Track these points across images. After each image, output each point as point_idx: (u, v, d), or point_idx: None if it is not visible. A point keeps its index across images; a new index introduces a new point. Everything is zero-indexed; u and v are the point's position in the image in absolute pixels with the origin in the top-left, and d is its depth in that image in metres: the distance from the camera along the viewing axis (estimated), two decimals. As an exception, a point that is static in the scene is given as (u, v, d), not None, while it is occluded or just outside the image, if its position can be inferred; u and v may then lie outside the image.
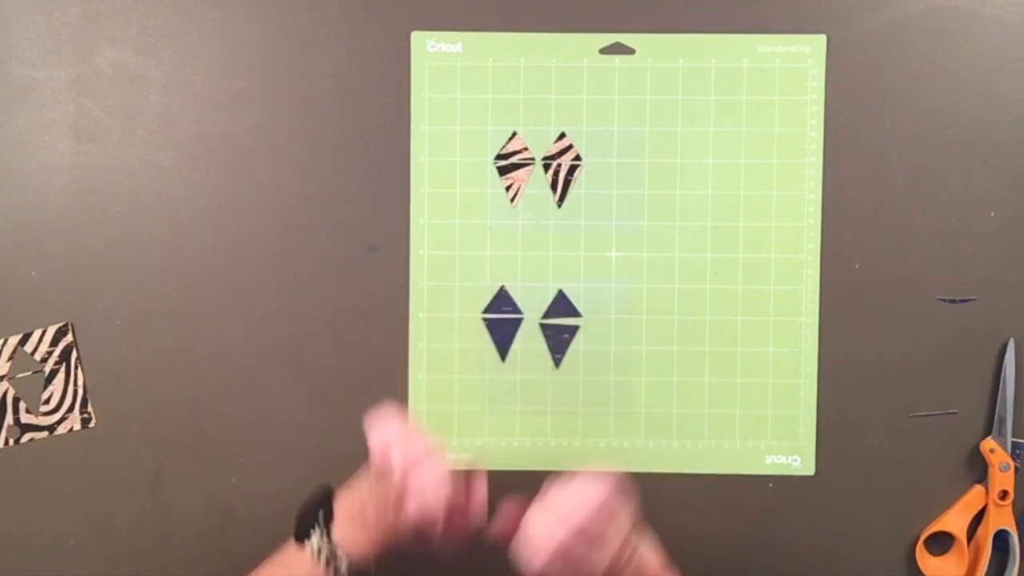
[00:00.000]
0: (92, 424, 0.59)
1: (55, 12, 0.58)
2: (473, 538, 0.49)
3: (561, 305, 0.59)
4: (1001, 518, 0.58)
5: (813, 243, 0.58)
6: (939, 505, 0.59)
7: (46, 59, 0.59)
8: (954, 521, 0.58)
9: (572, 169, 0.59)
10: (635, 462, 0.59)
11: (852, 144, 0.58)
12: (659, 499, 0.59)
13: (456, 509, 0.47)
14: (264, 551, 0.60)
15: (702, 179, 0.58)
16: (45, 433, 0.59)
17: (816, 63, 0.58)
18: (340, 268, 0.59)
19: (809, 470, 0.59)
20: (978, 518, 0.59)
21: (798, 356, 0.59)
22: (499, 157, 0.59)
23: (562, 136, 0.59)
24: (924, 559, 0.59)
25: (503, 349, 0.59)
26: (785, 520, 0.59)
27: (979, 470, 0.59)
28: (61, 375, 0.59)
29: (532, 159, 0.59)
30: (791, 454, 0.59)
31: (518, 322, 0.59)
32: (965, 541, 0.58)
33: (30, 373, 0.59)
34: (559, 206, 0.59)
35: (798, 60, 0.58)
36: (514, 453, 0.59)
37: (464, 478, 0.48)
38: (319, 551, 0.47)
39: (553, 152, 0.59)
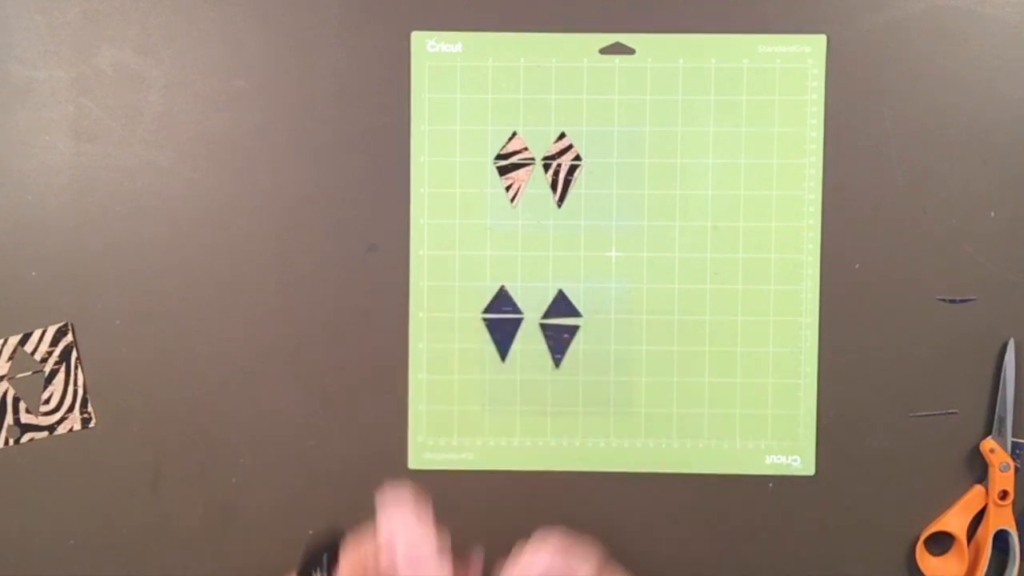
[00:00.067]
0: (92, 424, 0.59)
1: (55, 12, 0.58)
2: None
3: (561, 305, 0.59)
4: (1001, 518, 0.58)
5: (813, 243, 0.58)
6: (939, 505, 0.59)
7: (46, 59, 0.59)
8: (954, 521, 0.58)
9: (572, 169, 0.59)
10: (635, 462, 0.59)
11: (852, 144, 0.58)
12: (659, 499, 0.59)
13: None
14: (264, 551, 0.60)
15: (702, 179, 0.58)
16: (45, 433, 0.59)
17: (816, 63, 0.58)
18: (340, 268, 0.59)
19: (809, 470, 0.59)
20: (978, 518, 0.59)
21: (798, 356, 0.59)
22: (499, 157, 0.59)
23: (562, 136, 0.59)
24: (924, 559, 0.59)
25: (503, 349, 0.59)
26: (785, 520, 0.59)
27: (979, 470, 0.59)
28: (61, 375, 0.59)
29: (532, 159, 0.59)
30: (791, 454, 0.59)
31: (518, 322, 0.59)
32: (965, 541, 0.58)
33: (30, 373, 0.59)
34: (559, 206, 0.59)
35: (798, 60, 0.58)
36: (514, 453, 0.59)
37: (462, 565, 0.48)
38: None
39: (553, 152, 0.59)
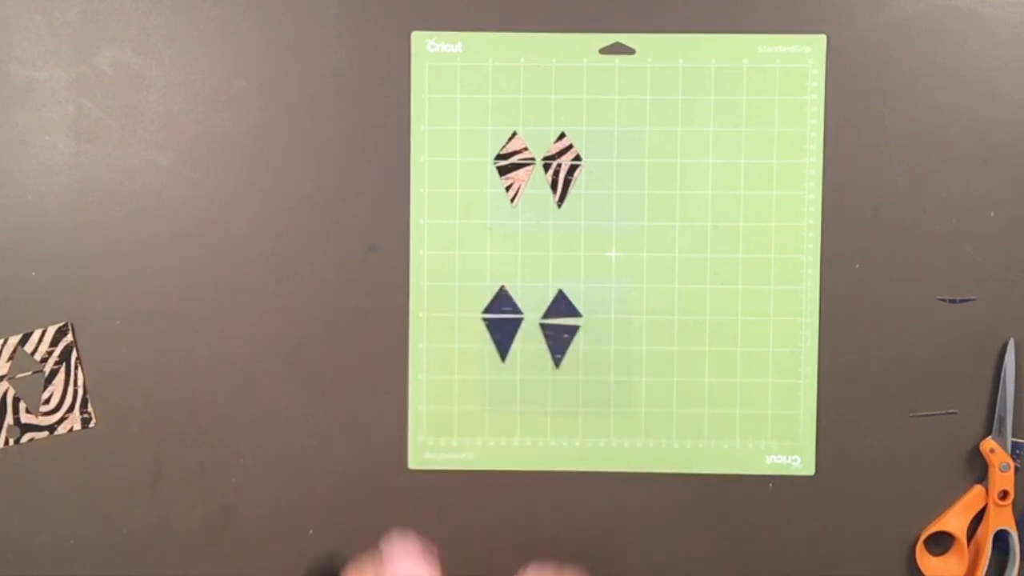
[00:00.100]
0: (92, 424, 0.59)
1: (55, 12, 0.58)
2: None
3: (561, 305, 0.59)
4: (1001, 518, 0.58)
5: (813, 243, 0.58)
6: (939, 505, 0.59)
7: (46, 59, 0.59)
8: (954, 521, 0.58)
9: (572, 169, 0.59)
10: (635, 462, 0.59)
11: (852, 144, 0.58)
12: (659, 499, 0.59)
13: None
14: (264, 551, 0.60)
15: (702, 179, 0.58)
16: (45, 433, 0.59)
17: (816, 63, 0.58)
18: (340, 268, 0.59)
19: (809, 470, 0.59)
20: (978, 518, 0.59)
21: (798, 356, 0.59)
22: (499, 157, 0.59)
23: (562, 136, 0.59)
24: (924, 559, 0.59)
25: (503, 349, 0.59)
26: (785, 520, 0.59)
27: (979, 470, 0.59)
28: (61, 375, 0.59)
29: (532, 159, 0.59)
30: (791, 454, 0.59)
31: (518, 322, 0.59)
32: (965, 541, 0.58)
33: (30, 373, 0.59)
34: (559, 206, 0.59)
35: (798, 60, 0.58)
36: (514, 453, 0.59)
37: None
38: None
39: (553, 152, 0.59)
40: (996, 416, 0.58)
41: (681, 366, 0.59)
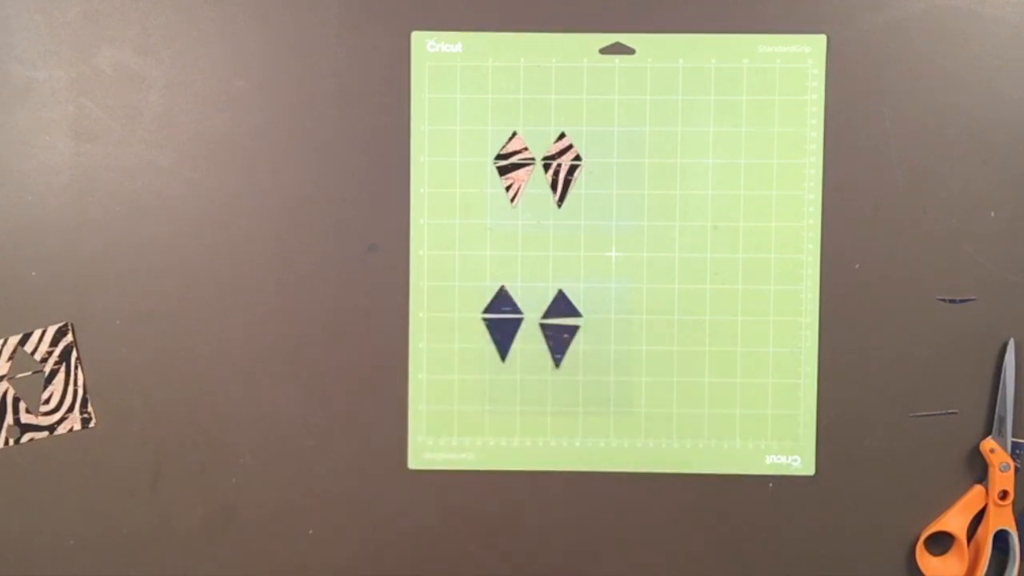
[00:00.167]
0: (92, 424, 0.59)
1: (55, 12, 0.58)
2: None
3: (561, 305, 0.59)
4: (1001, 518, 0.58)
5: (813, 243, 0.58)
6: (939, 505, 0.59)
7: (46, 59, 0.59)
8: (954, 521, 0.58)
9: (572, 169, 0.59)
10: (635, 462, 0.59)
11: (852, 144, 0.58)
12: (659, 499, 0.59)
13: None
14: (264, 551, 0.60)
15: (702, 179, 0.58)
16: (45, 433, 0.59)
17: (816, 63, 0.58)
18: (340, 268, 0.59)
19: (809, 470, 0.59)
20: (978, 518, 0.59)
21: (798, 356, 0.59)
22: (499, 157, 0.59)
23: (562, 136, 0.59)
24: (924, 559, 0.59)
25: (503, 349, 0.59)
26: (785, 520, 0.59)
27: (979, 470, 0.59)
28: (61, 375, 0.59)
29: (532, 159, 0.59)
30: (791, 454, 0.59)
31: (518, 322, 0.59)
32: (965, 541, 0.58)
33: (30, 373, 0.59)
34: (559, 206, 0.59)
35: (798, 60, 0.58)
36: (514, 453, 0.59)
37: None
38: None
39: (553, 152, 0.59)
40: (996, 416, 0.58)
41: (681, 366, 0.59)
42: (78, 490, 0.59)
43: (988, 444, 0.58)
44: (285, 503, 0.60)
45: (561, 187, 0.59)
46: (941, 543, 0.59)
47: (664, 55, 0.58)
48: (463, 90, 0.59)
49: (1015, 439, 0.58)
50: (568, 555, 0.59)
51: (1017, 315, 0.58)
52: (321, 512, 0.59)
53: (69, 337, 0.59)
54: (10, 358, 0.59)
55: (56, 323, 0.59)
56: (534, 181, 0.59)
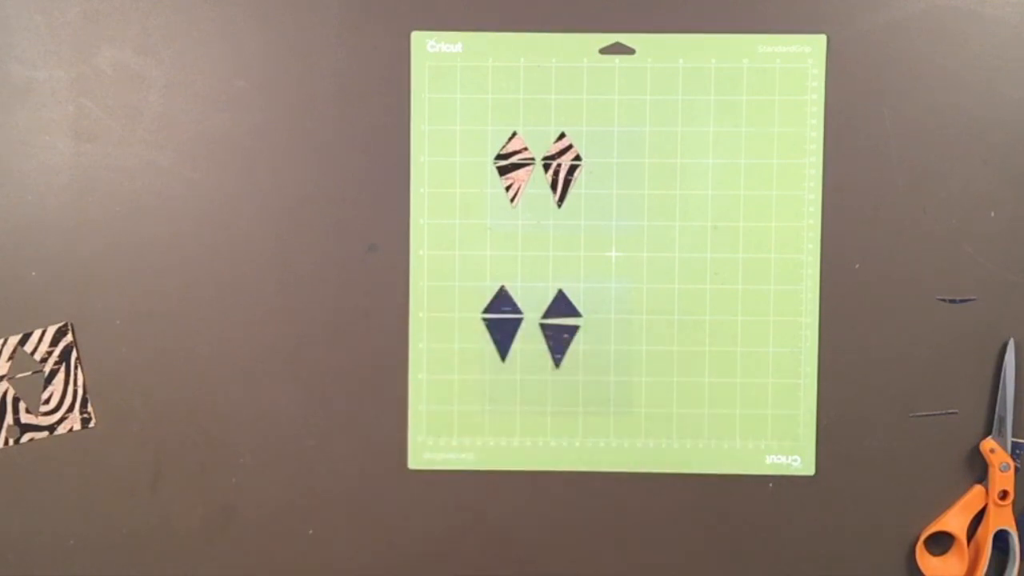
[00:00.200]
0: (92, 424, 0.59)
1: (55, 12, 0.58)
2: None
3: (561, 305, 0.59)
4: (1001, 518, 0.58)
5: (813, 243, 0.58)
6: (939, 505, 0.59)
7: (46, 59, 0.59)
8: (954, 521, 0.58)
9: (572, 169, 0.59)
10: (635, 462, 0.59)
11: (852, 144, 0.58)
12: (659, 499, 0.59)
13: None
14: (264, 551, 0.60)
15: (702, 179, 0.58)
16: (45, 433, 0.59)
17: (816, 63, 0.58)
18: (340, 268, 0.59)
19: (809, 470, 0.59)
20: (978, 518, 0.59)
21: (798, 356, 0.59)
22: (499, 157, 0.59)
23: (562, 136, 0.59)
24: (924, 559, 0.59)
25: (503, 349, 0.59)
26: (785, 520, 0.59)
27: (979, 470, 0.59)
28: (61, 375, 0.59)
29: (532, 159, 0.59)
30: (791, 454, 0.59)
31: (518, 322, 0.59)
32: (965, 541, 0.58)
33: (30, 373, 0.59)
34: (559, 206, 0.59)
35: (798, 60, 0.58)
36: (514, 453, 0.59)
37: None
38: None
39: (553, 152, 0.59)
40: (996, 416, 0.58)
41: (681, 366, 0.59)
42: (78, 490, 0.59)
43: (988, 444, 0.58)
44: (285, 503, 0.60)
45: (561, 187, 0.59)
46: (941, 543, 0.59)
47: (664, 55, 0.58)
48: (463, 90, 0.59)
49: (1015, 439, 0.58)
50: (568, 555, 0.59)
51: (1017, 315, 0.58)
52: (321, 512, 0.59)
53: (69, 337, 0.59)
54: (10, 358, 0.59)
55: (56, 323, 0.59)
56: (534, 181, 0.59)
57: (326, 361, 0.59)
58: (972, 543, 0.59)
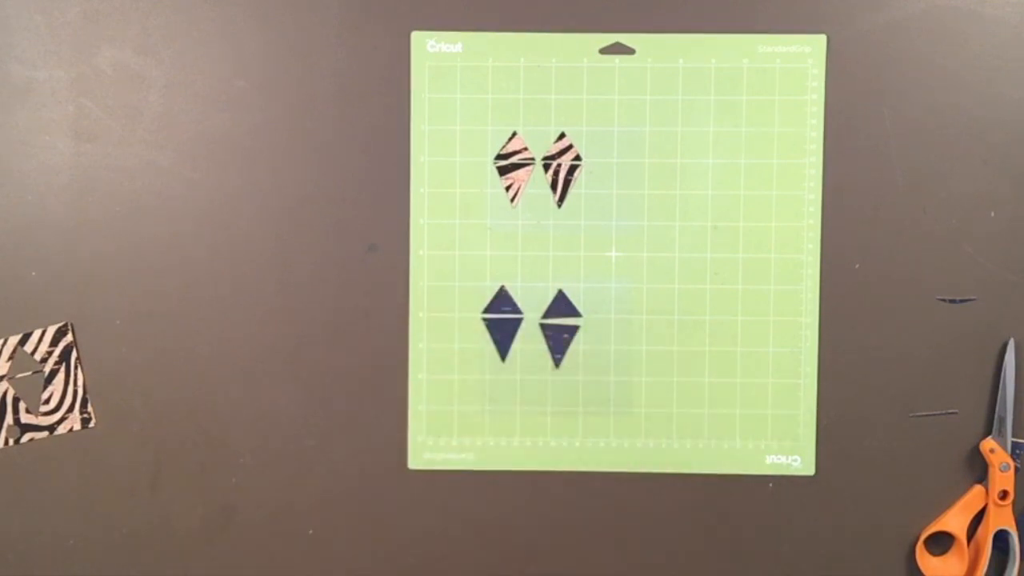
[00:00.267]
0: (92, 424, 0.59)
1: (55, 12, 0.58)
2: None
3: (561, 305, 0.59)
4: (1001, 518, 0.58)
5: (813, 243, 0.58)
6: (939, 505, 0.59)
7: (46, 59, 0.59)
8: (954, 521, 0.58)
9: (572, 169, 0.59)
10: (635, 462, 0.59)
11: (852, 144, 0.58)
12: (659, 499, 0.59)
13: None
14: (264, 551, 0.60)
15: (702, 179, 0.58)
16: (45, 433, 0.59)
17: (816, 63, 0.58)
18: (340, 268, 0.59)
19: (809, 470, 0.59)
20: (978, 518, 0.59)
21: (798, 356, 0.59)
22: (499, 157, 0.59)
23: (562, 136, 0.59)
24: (924, 559, 0.59)
25: (503, 349, 0.59)
26: (785, 520, 0.59)
27: (979, 470, 0.59)
28: (61, 375, 0.59)
29: (532, 159, 0.59)
30: (791, 454, 0.59)
31: (518, 322, 0.59)
32: (965, 541, 0.58)
33: (30, 373, 0.59)
34: (559, 206, 0.59)
35: (798, 60, 0.58)
36: (514, 453, 0.59)
37: None
38: None
39: (553, 152, 0.59)
40: (996, 416, 0.58)
41: (681, 366, 0.59)
42: (78, 490, 0.59)
43: (988, 444, 0.58)
44: (285, 503, 0.60)
45: (561, 187, 0.59)
46: (941, 543, 0.59)
47: (664, 55, 0.58)
48: (463, 90, 0.59)
49: (1015, 439, 0.58)
50: (568, 555, 0.59)
51: (1017, 315, 0.58)
52: (321, 512, 0.59)
53: (69, 337, 0.59)
54: (10, 358, 0.59)
55: (56, 323, 0.59)
56: (534, 181, 0.59)
57: (326, 361, 0.59)
58: (972, 543, 0.59)
